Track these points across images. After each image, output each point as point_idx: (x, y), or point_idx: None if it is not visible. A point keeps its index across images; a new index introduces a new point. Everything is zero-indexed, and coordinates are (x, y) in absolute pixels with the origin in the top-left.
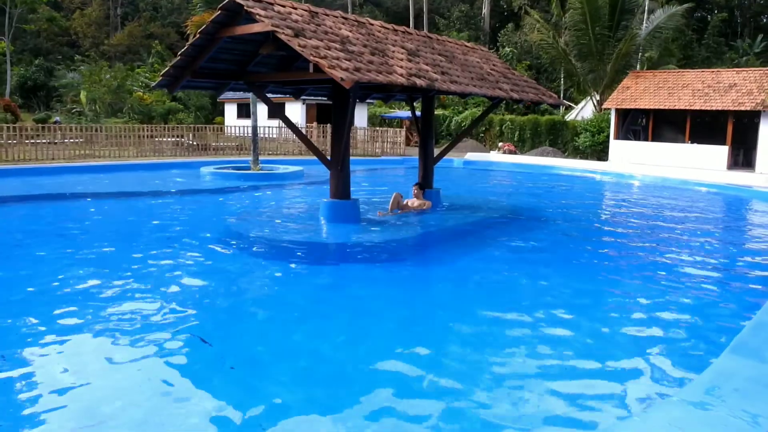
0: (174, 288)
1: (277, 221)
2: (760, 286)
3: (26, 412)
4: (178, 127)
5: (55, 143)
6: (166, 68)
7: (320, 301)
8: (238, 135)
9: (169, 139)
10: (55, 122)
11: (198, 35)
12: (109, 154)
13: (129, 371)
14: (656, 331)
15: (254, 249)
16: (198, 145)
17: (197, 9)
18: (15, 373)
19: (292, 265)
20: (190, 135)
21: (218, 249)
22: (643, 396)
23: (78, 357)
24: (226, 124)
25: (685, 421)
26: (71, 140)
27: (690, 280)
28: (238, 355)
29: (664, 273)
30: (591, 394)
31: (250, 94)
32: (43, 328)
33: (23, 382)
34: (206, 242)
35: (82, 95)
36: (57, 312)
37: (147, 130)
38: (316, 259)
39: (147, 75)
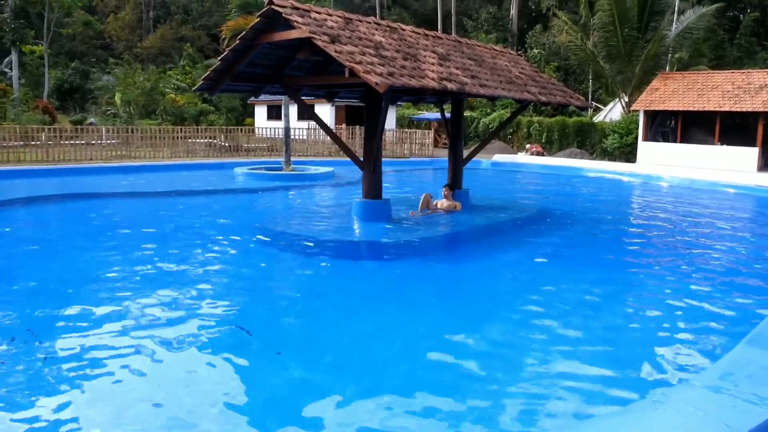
0: (215, 282)
1: (311, 220)
2: None
3: (72, 398)
4: (210, 128)
5: (92, 144)
6: (207, 72)
7: (356, 295)
8: (268, 136)
9: (201, 141)
10: (90, 124)
11: (238, 41)
12: (144, 155)
13: (174, 360)
14: (678, 323)
15: (291, 246)
16: (230, 146)
17: (232, 14)
18: (60, 362)
19: (328, 262)
20: (222, 136)
21: (256, 246)
22: (663, 380)
23: (122, 349)
24: (256, 125)
25: (699, 402)
26: (108, 141)
27: (714, 278)
28: (281, 342)
29: (688, 270)
30: (615, 377)
31: (281, 97)
32: (85, 321)
33: (68, 372)
34: (244, 240)
35: (117, 97)
36: (102, 302)
37: (181, 131)
38: (350, 256)
39: (178, 77)
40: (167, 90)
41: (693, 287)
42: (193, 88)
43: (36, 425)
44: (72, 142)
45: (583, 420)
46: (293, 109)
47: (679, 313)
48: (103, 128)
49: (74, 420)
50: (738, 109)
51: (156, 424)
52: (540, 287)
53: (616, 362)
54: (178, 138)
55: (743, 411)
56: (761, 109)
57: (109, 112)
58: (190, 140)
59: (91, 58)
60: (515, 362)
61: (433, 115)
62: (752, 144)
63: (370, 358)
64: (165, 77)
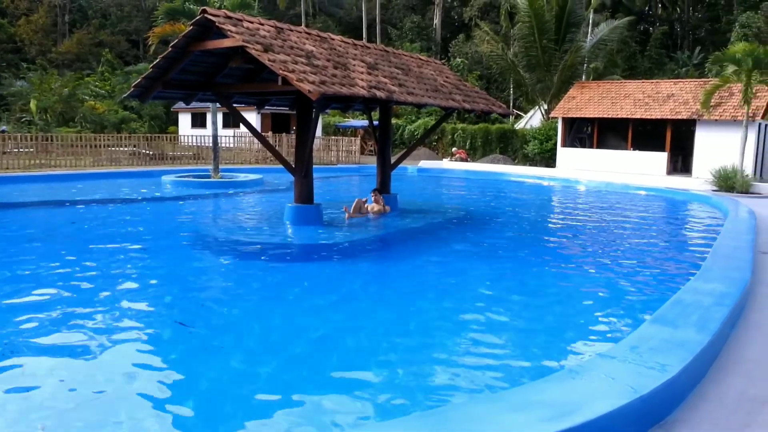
0: (152, 284)
1: (244, 224)
2: (684, 273)
3: (10, 400)
4: (134, 136)
5: (5, 152)
6: (138, 79)
7: (288, 293)
8: (192, 144)
9: (125, 149)
10: (2, 131)
11: (170, 48)
12: (65, 163)
13: (116, 356)
14: (589, 310)
15: (227, 250)
16: (154, 154)
17: (159, 20)
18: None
19: (263, 263)
20: (146, 144)
21: (193, 251)
22: (580, 353)
23: (61, 350)
24: (180, 133)
25: (610, 371)
26: (23, 149)
27: (623, 269)
28: (222, 338)
29: (601, 264)
30: (537, 352)
31: (206, 104)
32: (17, 322)
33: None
34: (179, 246)
35: (33, 104)
36: (37, 304)
37: (104, 139)
38: (284, 258)
39: (97, 84)
40: (85, 97)
41: (605, 276)
42: (124, 95)
43: None
44: None
45: (509, 390)
46: (219, 117)
47: (591, 299)
48: (20, 136)
49: (15, 421)
50: (648, 117)
51: (97, 422)
52: (460, 279)
53: (537, 341)
54: (100, 146)
55: (647, 376)
56: (669, 117)
57: (23, 120)
58: (112, 148)
59: (1, 63)
60: (441, 341)
61: (359, 122)
62: (662, 149)
63: (299, 346)
64: (83, 83)
